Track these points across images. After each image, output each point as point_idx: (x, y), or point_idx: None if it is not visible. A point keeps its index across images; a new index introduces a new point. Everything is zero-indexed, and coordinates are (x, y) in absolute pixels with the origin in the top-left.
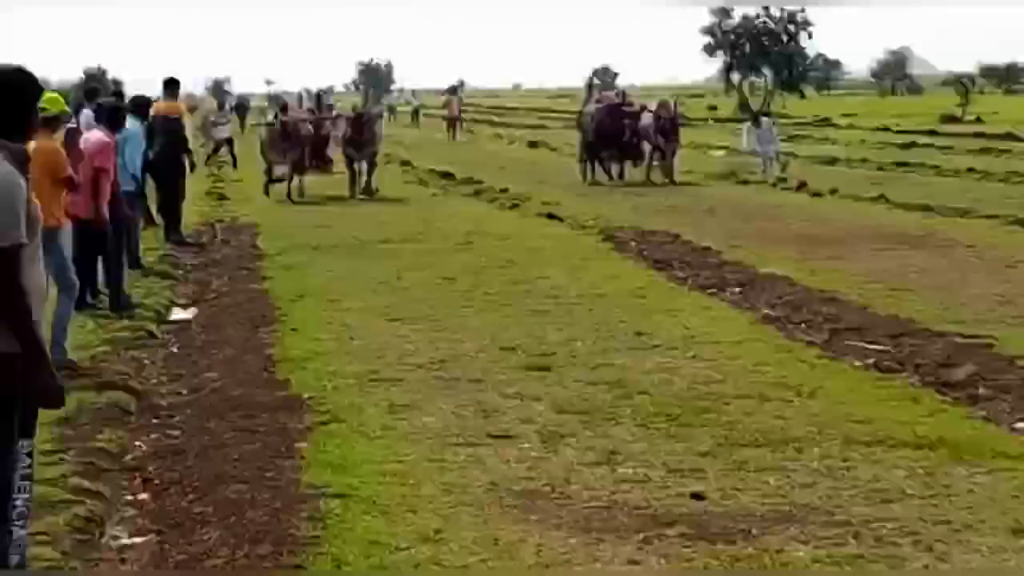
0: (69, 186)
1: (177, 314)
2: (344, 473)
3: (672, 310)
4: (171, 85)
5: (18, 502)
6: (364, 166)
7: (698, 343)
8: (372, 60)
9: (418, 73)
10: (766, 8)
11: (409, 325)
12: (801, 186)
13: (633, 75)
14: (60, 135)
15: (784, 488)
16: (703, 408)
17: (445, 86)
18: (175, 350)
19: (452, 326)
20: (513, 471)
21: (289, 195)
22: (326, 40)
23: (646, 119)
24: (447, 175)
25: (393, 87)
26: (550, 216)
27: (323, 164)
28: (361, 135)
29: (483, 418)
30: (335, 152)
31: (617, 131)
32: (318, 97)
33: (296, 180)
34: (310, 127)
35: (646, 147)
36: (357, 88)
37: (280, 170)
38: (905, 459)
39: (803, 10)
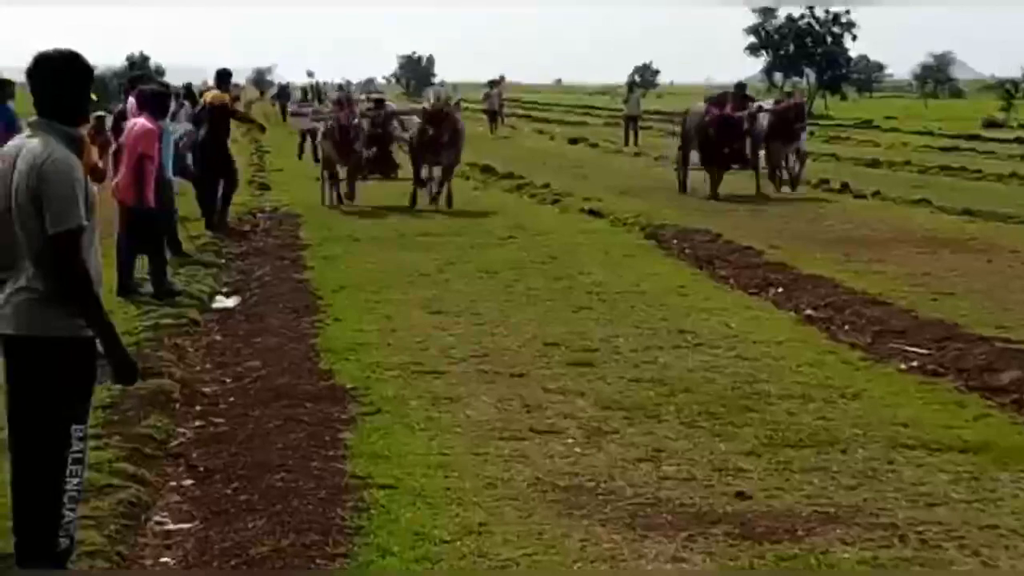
0: (95, 176)
1: (220, 302)
2: (388, 464)
3: (714, 309)
4: (223, 77)
5: (70, 485)
6: (438, 173)
7: (741, 342)
8: (414, 53)
9: (459, 67)
10: (811, 8)
11: (451, 318)
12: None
13: (672, 73)
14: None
15: (828, 489)
16: (747, 407)
17: (485, 80)
18: (218, 338)
19: (494, 320)
20: (557, 466)
21: (339, 199)
22: (368, 32)
23: (761, 120)
24: (488, 169)
25: (434, 80)
26: (591, 212)
27: (386, 169)
28: (440, 135)
29: (526, 412)
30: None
31: (729, 139)
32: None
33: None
34: (374, 126)
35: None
36: (398, 81)
37: (340, 172)
38: (950, 463)
39: (848, 11)
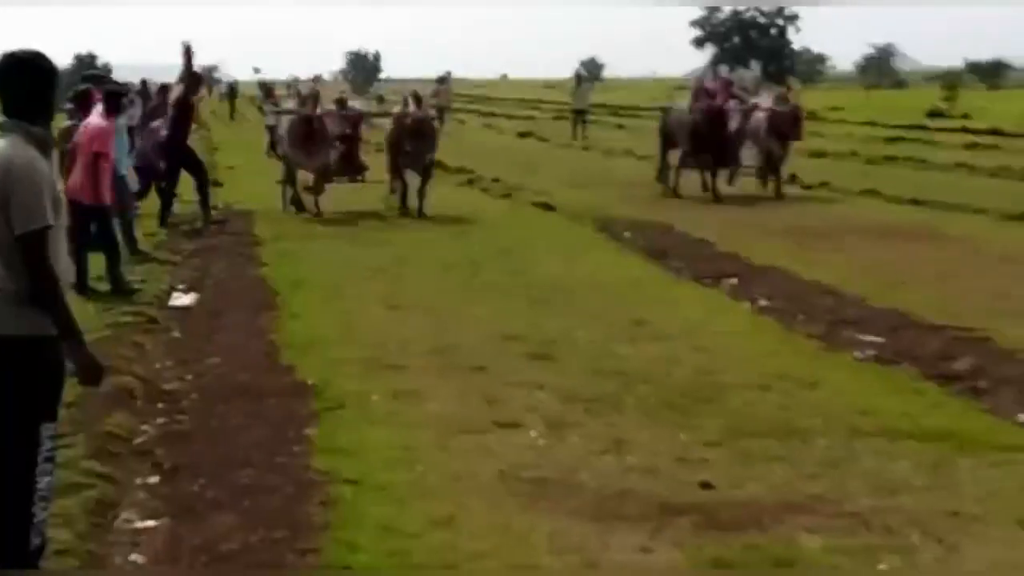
0: None
1: (177, 299)
2: (353, 459)
3: (670, 300)
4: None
5: (40, 484)
6: (417, 179)
7: (698, 333)
8: (360, 49)
9: (405, 63)
10: None
11: (409, 313)
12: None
13: (618, 67)
14: None
15: (791, 478)
16: (707, 398)
17: (432, 76)
18: (177, 335)
19: (452, 314)
20: (521, 458)
21: (300, 205)
22: (314, 29)
23: (758, 118)
24: (438, 164)
25: (381, 76)
26: (543, 206)
27: (353, 171)
28: (422, 136)
29: (488, 406)
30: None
31: (717, 135)
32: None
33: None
34: (344, 123)
35: (747, 153)
36: (345, 77)
37: (303, 174)
38: (910, 451)
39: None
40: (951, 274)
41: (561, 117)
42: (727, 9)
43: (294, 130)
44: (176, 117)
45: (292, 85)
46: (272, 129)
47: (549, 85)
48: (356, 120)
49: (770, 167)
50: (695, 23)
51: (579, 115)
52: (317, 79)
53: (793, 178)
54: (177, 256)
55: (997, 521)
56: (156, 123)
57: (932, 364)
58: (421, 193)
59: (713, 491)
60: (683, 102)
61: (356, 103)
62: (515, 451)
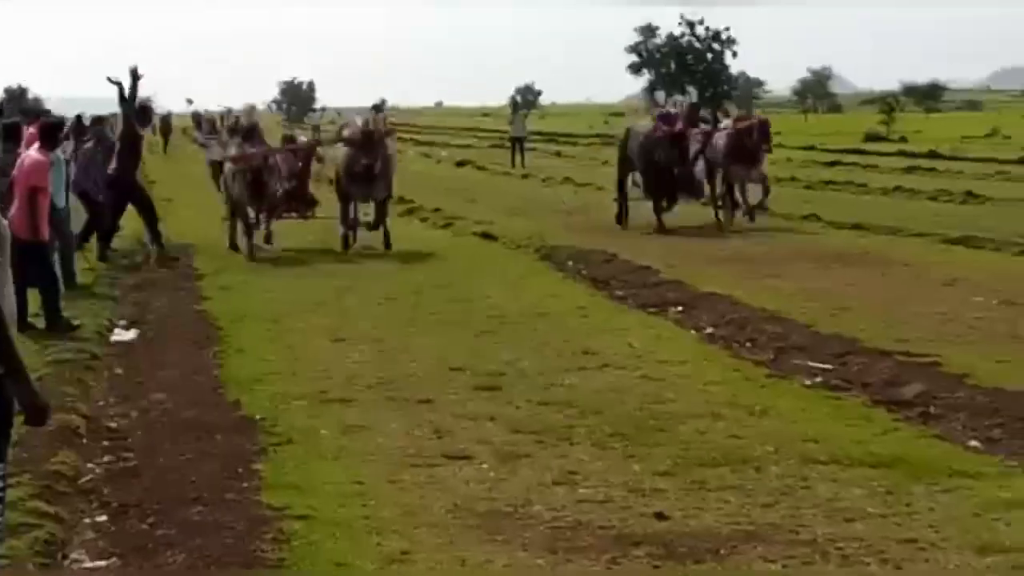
0: None
1: (119, 335)
2: (304, 494)
3: (616, 329)
4: (144, 111)
5: None
6: (372, 208)
7: (646, 362)
8: (294, 79)
9: (340, 92)
10: (691, 25)
11: (353, 345)
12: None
13: (554, 94)
14: None
15: (746, 507)
16: (657, 427)
17: (365, 105)
18: (120, 371)
19: (397, 346)
20: (473, 491)
21: (251, 251)
22: (247, 59)
23: (718, 140)
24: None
25: (315, 106)
26: (484, 235)
27: (304, 207)
28: (373, 162)
29: (437, 438)
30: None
31: (679, 162)
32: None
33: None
34: (292, 157)
35: (702, 177)
36: (279, 107)
37: (252, 214)
38: (863, 478)
39: (728, 28)
40: (896, 299)
41: (499, 145)
42: (663, 34)
43: (240, 168)
44: (123, 150)
45: (226, 116)
46: (216, 164)
47: (485, 113)
48: (307, 154)
49: (730, 194)
50: (631, 49)
51: (517, 143)
52: (251, 110)
53: (735, 204)
54: (117, 291)
55: (954, 547)
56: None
57: (881, 390)
58: (377, 225)
59: (669, 521)
60: (644, 122)
61: (302, 138)
62: (467, 484)
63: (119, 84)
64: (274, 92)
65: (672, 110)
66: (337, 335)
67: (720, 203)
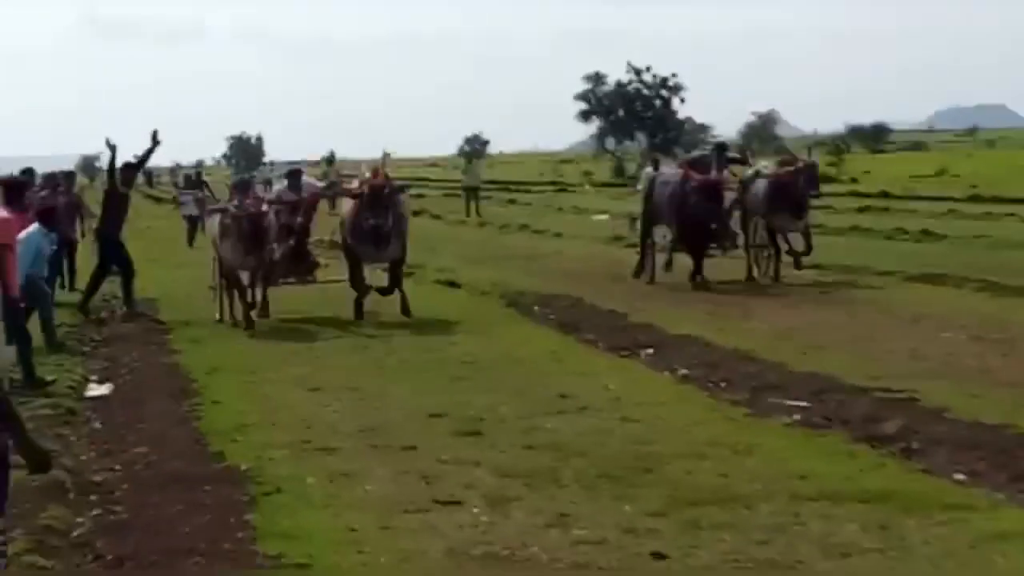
0: None
1: (94, 390)
2: (299, 543)
3: (590, 372)
4: (129, 167)
5: None
6: (385, 272)
7: (624, 404)
8: (243, 133)
9: (289, 145)
10: (638, 73)
11: (330, 395)
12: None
13: (501, 142)
14: None
15: (741, 545)
16: (644, 468)
17: (316, 158)
18: (98, 426)
19: (374, 394)
20: (467, 536)
21: (248, 319)
22: (195, 114)
23: (758, 186)
24: (335, 244)
25: (265, 160)
26: (448, 283)
27: (305, 269)
28: (384, 220)
29: (426, 484)
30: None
31: (716, 214)
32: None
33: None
34: (289, 215)
35: (736, 228)
36: (228, 162)
37: (238, 269)
38: (856, 513)
39: (675, 75)
40: (866, 337)
41: (451, 194)
42: (611, 82)
43: (231, 228)
44: (108, 207)
45: (176, 171)
46: (192, 219)
47: (434, 163)
48: (309, 208)
49: (773, 242)
50: (579, 96)
51: (471, 192)
52: (199, 165)
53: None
54: (86, 346)
55: None
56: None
57: (861, 427)
58: (394, 287)
59: (667, 560)
60: (670, 170)
61: (316, 183)
62: (460, 528)
63: (113, 148)
64: (223, 147)
65: (702, 153)
66: (313, 384)
67: (765, 253)
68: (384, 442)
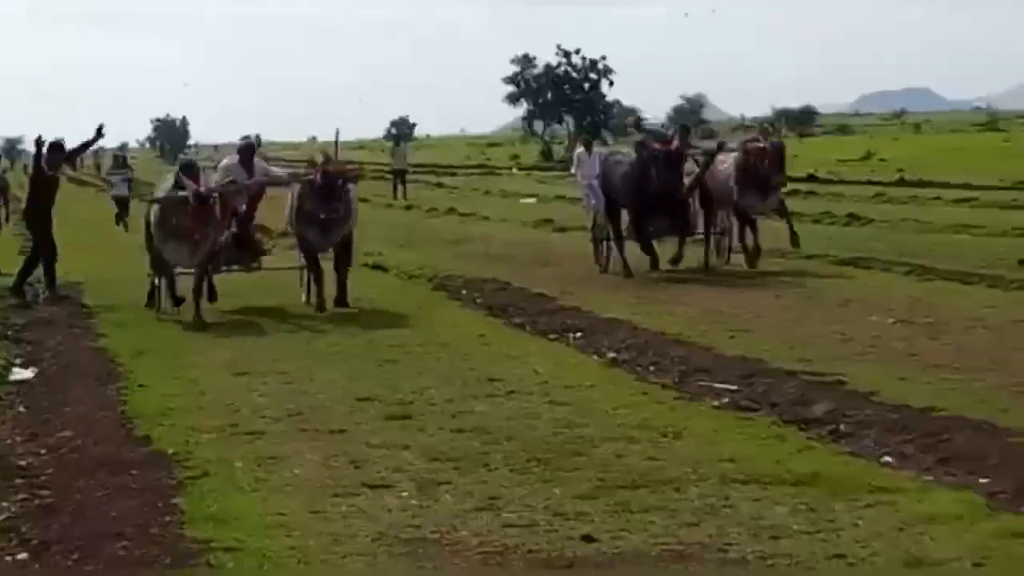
0: None
1: (17, 374)
2: (227, 527)
3: (519, 356)
4: (55, 147)
5: None
6: (332, 257)
7: (552, 388)
8: (167, 115)
9: (214, 128)
10: (567, 55)
11: (258, 378)
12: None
13: (429, 126)
14: None
15: (672, 527)
16: (573, 451)
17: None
18: (22, 410)
19: (301, 378)
20: (397, 519)
21: (199, 316)
22: (119, 96)
23: (724, 167)
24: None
25: (190, 142)
26: (376, 267)
27: (250, 256)
28: (336, 204)
29: (354, 468)
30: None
31: (674, 191)
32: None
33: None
34: (236, 198)
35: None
36: (153, 144)
37: (179, 265)
38: (784, 496)
39: (604, 58)
40: (794, 320)
41: (378, 177)
42: (541, 64)
43: (171, 212)
44: (34, 191)
45: (99, 154)
46: (121, 200)
47: (361, 146)
48: (254, 194)
49: (742, 230)
50: (508, 79)
51: (399, 175)
52: (123, 147)
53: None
54: (8, 330)
55: (883, 562)
56: None
57: (790, 409)
58: (340, 276)
59: (596, 543)
60: (625, 149)
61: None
62: (389, 512)
63: (40, 144)
64: (147, 129)
65: (667, 130)
66: (240, 368)
67: (726, 241)
68: (313, 426)
